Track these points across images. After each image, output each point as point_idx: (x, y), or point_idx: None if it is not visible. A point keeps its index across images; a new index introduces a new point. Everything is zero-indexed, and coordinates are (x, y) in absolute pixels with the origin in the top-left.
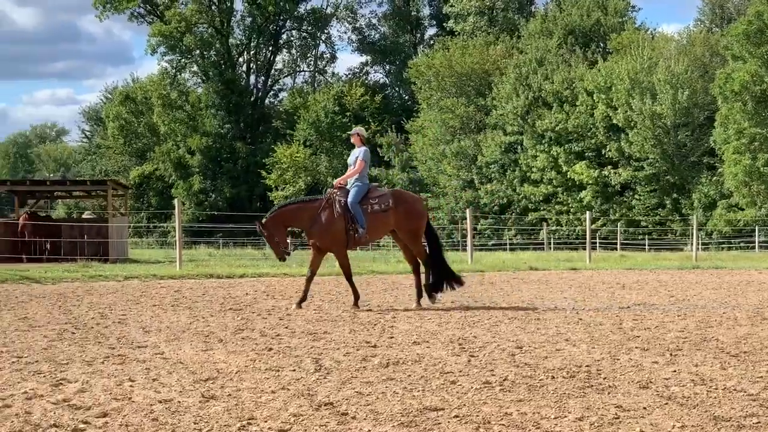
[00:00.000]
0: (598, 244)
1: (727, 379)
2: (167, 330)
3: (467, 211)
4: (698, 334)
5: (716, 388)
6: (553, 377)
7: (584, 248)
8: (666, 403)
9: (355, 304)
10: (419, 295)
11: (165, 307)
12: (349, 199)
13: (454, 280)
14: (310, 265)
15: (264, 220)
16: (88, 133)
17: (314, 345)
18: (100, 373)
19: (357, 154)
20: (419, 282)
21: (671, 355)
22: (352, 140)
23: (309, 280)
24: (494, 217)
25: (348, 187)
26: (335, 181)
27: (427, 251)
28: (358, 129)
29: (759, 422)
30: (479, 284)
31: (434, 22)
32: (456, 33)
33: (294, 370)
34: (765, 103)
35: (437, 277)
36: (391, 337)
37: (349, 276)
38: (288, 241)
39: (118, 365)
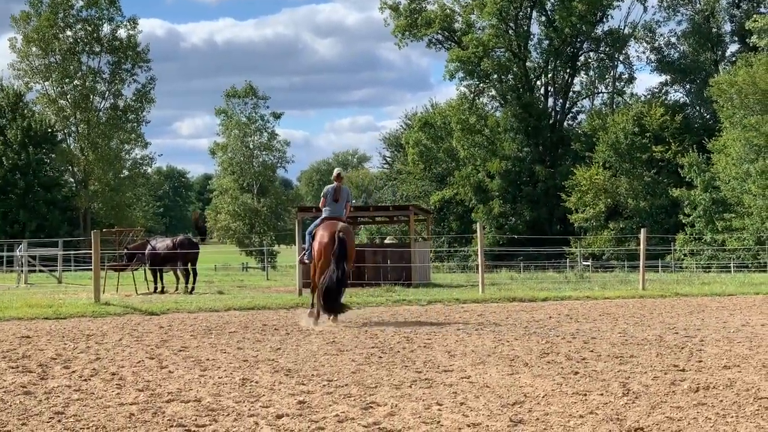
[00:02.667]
0: None
1: None
2: (473, 354)
3: None
4: None
5: None
6: None
7: None
8: None
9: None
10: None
11: (470, 332)
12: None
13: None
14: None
15: None
16: (388, 159)
17: (621, 368)
18: (408, 396)
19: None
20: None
21: None
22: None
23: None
24: None
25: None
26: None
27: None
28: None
29: None
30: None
31: (736, 39)
32: (760, 49)
33: (601, 395)
34: None
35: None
36: (700, 361)
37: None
38: None
39: (425, 389)
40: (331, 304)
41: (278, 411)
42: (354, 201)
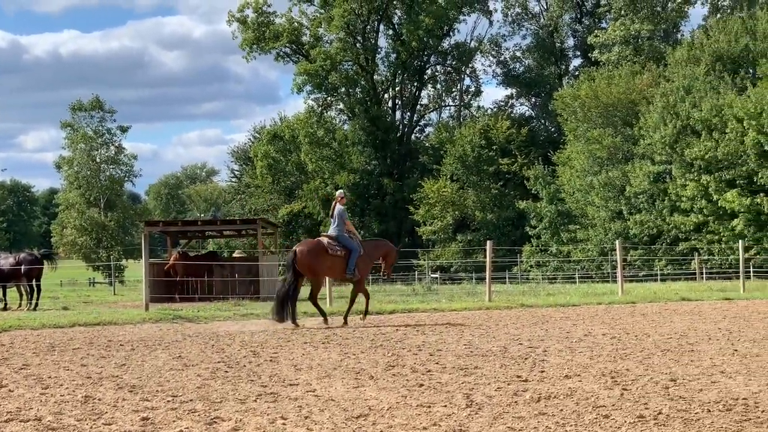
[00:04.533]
0: (752, 273)
1: None
2: (319, 367)
3: (617, 242)
4: None
5: None
6: (709, 411)
7: (738, 278)
8: None
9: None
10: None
11: (316, 345)
12: None
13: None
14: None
15: None
16: (237, 173)
17: (465, 380)
18: (253, 411)
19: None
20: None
21: None
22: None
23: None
24: (644, 248)
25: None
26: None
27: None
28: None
29: None
30: (630, 316)
31: (579, 53)
32: (601, 63)
33: (445, 406)
34: None
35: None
36: (542, 371)
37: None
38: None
39: (270, 403)
40: (276, 312)
41: (121, 428)
42: (343, 216)
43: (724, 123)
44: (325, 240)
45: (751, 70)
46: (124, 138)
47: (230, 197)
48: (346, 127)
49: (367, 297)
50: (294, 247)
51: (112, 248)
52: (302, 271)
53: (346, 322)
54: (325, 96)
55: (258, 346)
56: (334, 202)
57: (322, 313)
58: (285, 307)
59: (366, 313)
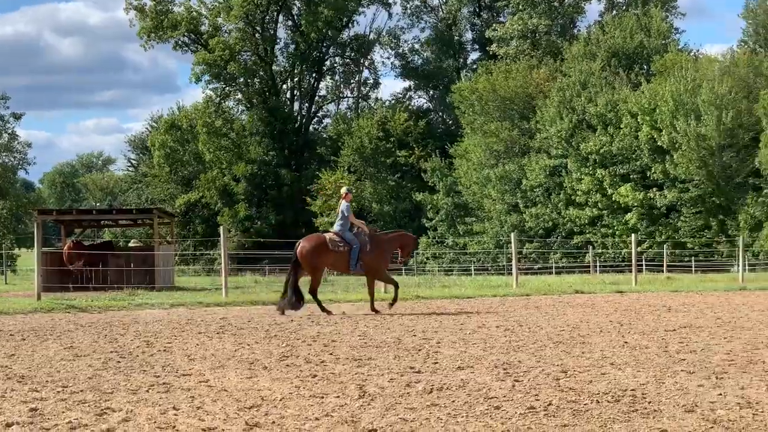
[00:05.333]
0: (644, 267)
1: None
2: (212, 358)
3: (512, 235)
4: (745, 357)
5: (762, 411)
6: (598, 402)
7: (630, 271)
8: (711, 427)
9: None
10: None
11: (210, 335)
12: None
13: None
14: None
15: None
16: (134, 162)
17: (359, 371)
18: (145, 401)
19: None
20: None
21: (717, 378)
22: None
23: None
24: (539, 241)
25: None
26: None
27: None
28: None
29: None
30: (524, 308)
31: (477, 47)
32: (499, 57)
33: (338, 397)
34: None
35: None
36: (436, 363)
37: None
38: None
39: (162, 393)
40: (281, 301)
41: (8, 419)
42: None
43: (618, 118)
44: (328, 236)
45: (645, 67)
46: (18, 125)
47: (127, 186)
48: (244, 117)
49: (396, 287)
50: (298, 242)
51: (4, 237)
52: (303, 266)
53: (374, 311)
54: (224, 86)
55: (152, 336)
56: (340, 199)
57: (322, 307)
58: (288, 298)
59: (394, 301)
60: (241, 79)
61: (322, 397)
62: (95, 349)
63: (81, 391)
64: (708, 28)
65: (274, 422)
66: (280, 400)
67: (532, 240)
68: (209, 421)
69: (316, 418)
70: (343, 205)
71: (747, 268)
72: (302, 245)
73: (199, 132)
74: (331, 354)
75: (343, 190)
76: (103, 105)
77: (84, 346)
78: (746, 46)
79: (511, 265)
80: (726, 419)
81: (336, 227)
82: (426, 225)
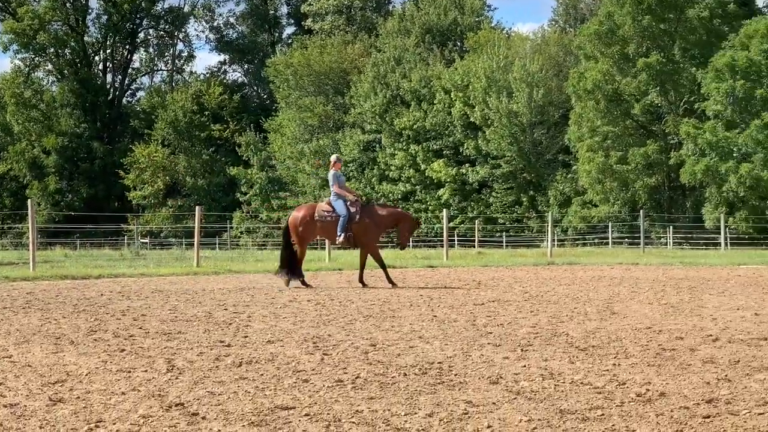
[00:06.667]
0: (456, 242)
1: (575, 373)
2: (17, 333)
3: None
4: (549, 330)
5: (564, 382)
6: (405, 374)
7: (442, 246)
8: (515, 398)
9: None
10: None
11: (16, 309)
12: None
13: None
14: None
15: None
16: None
17: (168, 345)
18: None
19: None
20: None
21: (522, 350)
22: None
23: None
24: None
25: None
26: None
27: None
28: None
29: (603, 414)
30: (336, 283)
31: (292, 21)
32: (314, 32)
33: (146, 371)
34: (616, 101)
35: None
36: (246, 337)
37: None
38: None
39: None
40: (281, 272)
41: None
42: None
43: (432, 94)
44: (319, 205)
45: (459, 43)
46: None
47: None
48: (54, 88)
49: (383, 266)
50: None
51: None
52: (291, 235)
53: (363, 284)
54: (33, 56)
55: None
56: (330, 167)
57: (303, 281)
58: (283, 267)
59: (390, 281)
60: (52, 50)
61: (130, 372)
62: None
63: None
64: (519, 6)
65: (78, 397)
66: (86, 374)
67: None
68: (11, 397)
69: (123, 393)
70: (331, 173)
71: (556, 243)
72: (293, 215)
73: (7, 103)
74: (140, 328)
75: (333, 158)
76: None
77: None
78: (557, 25)
79: (324, 240)
80: (529, 390)
81: (331, 197)
82: (240, 199)
